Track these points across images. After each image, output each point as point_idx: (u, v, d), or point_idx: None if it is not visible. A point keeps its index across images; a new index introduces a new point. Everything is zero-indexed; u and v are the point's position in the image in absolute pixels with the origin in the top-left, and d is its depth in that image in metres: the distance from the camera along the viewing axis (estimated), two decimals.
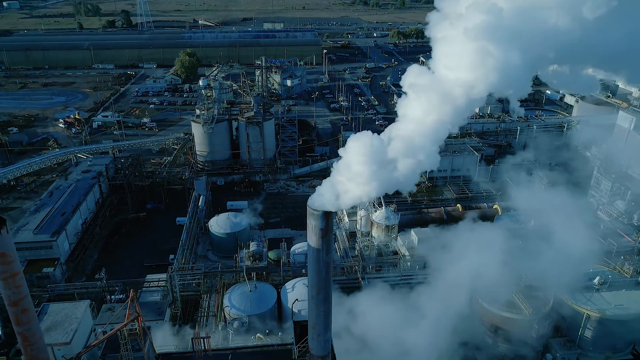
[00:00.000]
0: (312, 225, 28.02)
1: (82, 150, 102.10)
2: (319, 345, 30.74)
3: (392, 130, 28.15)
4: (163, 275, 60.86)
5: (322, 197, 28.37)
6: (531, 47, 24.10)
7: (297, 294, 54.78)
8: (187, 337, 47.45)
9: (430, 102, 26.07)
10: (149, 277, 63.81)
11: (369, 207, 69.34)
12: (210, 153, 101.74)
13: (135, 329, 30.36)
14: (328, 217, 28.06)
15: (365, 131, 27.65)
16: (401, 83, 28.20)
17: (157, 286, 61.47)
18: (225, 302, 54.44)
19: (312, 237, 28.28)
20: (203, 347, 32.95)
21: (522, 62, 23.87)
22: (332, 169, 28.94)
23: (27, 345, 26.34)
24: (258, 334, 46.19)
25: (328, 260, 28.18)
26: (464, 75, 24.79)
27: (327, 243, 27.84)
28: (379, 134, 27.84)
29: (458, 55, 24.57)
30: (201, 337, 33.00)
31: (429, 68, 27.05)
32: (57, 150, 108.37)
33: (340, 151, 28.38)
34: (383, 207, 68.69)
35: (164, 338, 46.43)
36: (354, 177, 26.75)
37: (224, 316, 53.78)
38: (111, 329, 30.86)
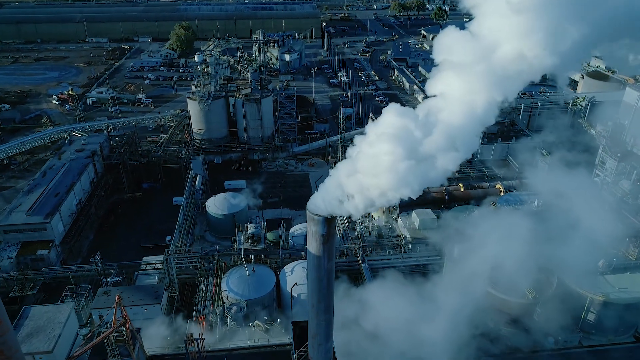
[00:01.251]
0: (312, 230, 24.40)
1: (76, 128, 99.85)
2: (319, 355, 28.50)
3: (429, 111, 21.99)
4: (160, 258, 59.75)
5: (331, 201, 23.25)
6: (608, 16, 19.52)
7: (296, 277, 53.78)
8: (184, 325, 46.66)
9: (477, 82, 20.81)
10: (146, 259, 62.79)
11: None
12: (207, 131, 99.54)
13: (123, 334, 28.61)
14: (330, 223, 24.39)
15: (401, 107, 21.81)
16: (434, 51, 22.26)
17: (154, 269, 60.53)
18: (223, 286, 53.46)
19: (312, 242, 24.84)
20: (197, 349, 31.66)
21: (593, 38, 19.42)
22: (341, 163, 23.45)
23: (3, 359, 24.66)
24: (257, 321, 45.30)
25: (330, 267, 25.11)
26: (518, 51, 19.74)
27: (328, 249, 24.64)
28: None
29: (509, 27, 19.56)
30: (195, 339, 31.68)
31: (472, 34, 21.16)
32: (50, 128, 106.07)
33: (359, 139, 22.57)
34: None
35: (158, 327, 45.48)
36: (380, 177, 21.14)
37: (222, 300, 52.90)
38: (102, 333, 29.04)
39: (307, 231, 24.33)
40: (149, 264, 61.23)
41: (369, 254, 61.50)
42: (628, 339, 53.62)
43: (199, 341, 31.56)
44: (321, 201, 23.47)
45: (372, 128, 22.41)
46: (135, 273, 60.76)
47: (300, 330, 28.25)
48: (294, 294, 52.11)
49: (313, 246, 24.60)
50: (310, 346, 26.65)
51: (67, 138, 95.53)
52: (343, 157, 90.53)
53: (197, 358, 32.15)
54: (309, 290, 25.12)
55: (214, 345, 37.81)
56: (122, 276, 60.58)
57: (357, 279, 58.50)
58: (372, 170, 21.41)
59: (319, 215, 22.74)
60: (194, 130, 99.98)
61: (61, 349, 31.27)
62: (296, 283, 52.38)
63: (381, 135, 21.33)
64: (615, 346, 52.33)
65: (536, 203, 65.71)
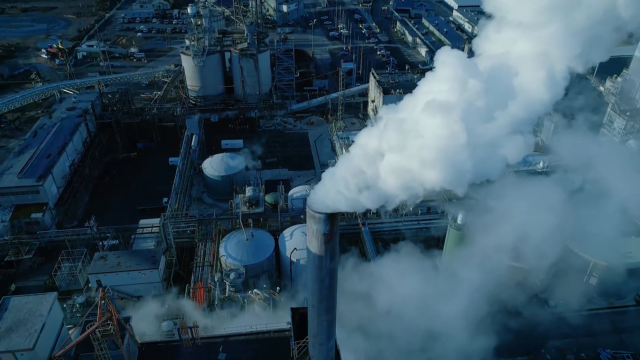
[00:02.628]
0: (313, 229, 21.21)
1: (66, 85, 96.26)
2: (320, 354, 26.80)
3: (494, 74, 15.84)
4: (157, 220, 58.60)
5: (343, 193, 18.57)
6: None
7: (295, 242, 52.81)
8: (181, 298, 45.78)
9: (556, 44, 15.53)
10: (142, 222, 61.71)
11: None
12: (202, 88, 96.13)
13: (110, 329, 26.95)
14: (333, 220, 20.85)
15: (463, 59, 15.71)
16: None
17: (151, 232, 59.51)
18: (221, 251, 52.59)
19: (313, 241, 21.75)
20: (191, 336, 30.53)
21: None
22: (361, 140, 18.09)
23: None
24: (255, 290, 44.60)
25: (332, 267, 22.51)
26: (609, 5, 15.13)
27: (331, 249, 21.90)
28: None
29: None
30: (188, 327, 30.52)
31: None
32: (40, 84, 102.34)
33: (385, 110, 17.27)
34: None
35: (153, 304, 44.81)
36: (427, 167, 15.44)
37: (221, 266, 52.15)
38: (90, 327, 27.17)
39: (308, 230, 21.72)
40: (146, 227, 60.15)
41: (369, 217, 60.37)
42: (629, 302, 53.51)
43: (192, 329, 30.43)
44: (340, 191, 18.77)
45: (414, 92, 16.53)
46: (133, 236, 59.82)
47: (299, 318, 26.87)
48: (294, 259, 51.33)
49: (314, 245, 21.82)
50: (310, 345, 25.32)
51: (57, 95, 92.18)
52: (343, 115, 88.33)
53: (191, 345, 31.24)
54: (310, 291, 23.11)
55: (211, 329, 36.68)
56: (119, 240, 59.74)
57: (357, 243, 57.79)
58: (413, 153, 15.79)
59: (320, 212, 19.90)
60: (188, 87, 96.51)
61: (44, 344, 29.41)
62: (295, 248, 51.47)
63: (432, 103, 14.84)
64: (616, 309, 52.28)
65: (541, 164, 64.17)
